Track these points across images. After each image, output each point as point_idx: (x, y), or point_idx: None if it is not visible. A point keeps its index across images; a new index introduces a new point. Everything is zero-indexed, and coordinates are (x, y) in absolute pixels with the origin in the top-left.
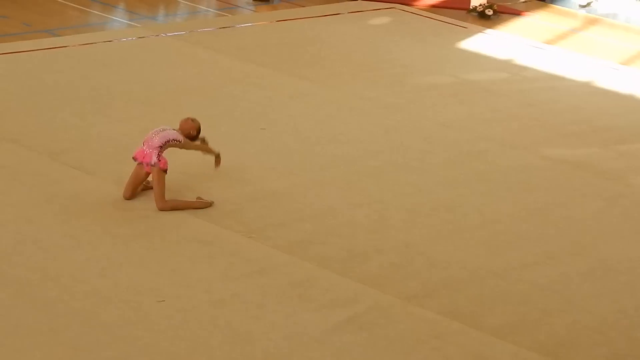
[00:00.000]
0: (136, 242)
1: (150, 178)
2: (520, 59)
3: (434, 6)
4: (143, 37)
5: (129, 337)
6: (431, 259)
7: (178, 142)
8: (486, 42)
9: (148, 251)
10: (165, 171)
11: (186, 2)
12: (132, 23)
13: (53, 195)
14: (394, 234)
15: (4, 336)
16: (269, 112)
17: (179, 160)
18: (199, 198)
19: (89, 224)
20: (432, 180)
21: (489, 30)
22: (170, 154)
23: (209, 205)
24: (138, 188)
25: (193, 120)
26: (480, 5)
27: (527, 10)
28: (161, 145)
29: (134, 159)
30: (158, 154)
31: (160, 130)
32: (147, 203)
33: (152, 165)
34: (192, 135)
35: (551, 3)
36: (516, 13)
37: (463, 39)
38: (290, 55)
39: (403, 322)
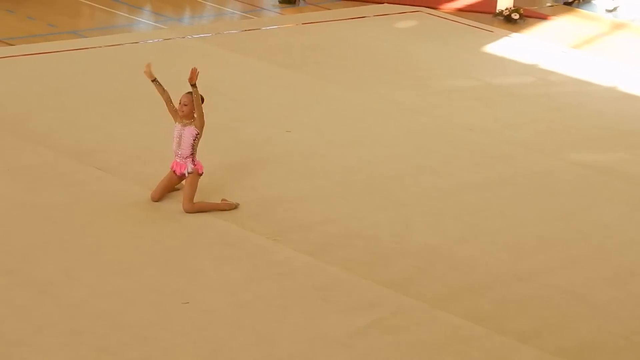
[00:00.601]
0: (160, 244)
1: (183, 181)
2: (546, 63)
3: (460, 10)
4: (169, 38)
5: (152, 339)
6: (455, 263)
7: (198, 133)
8: (512, 46)
9: (172, 253)
10: (200, 174)
11: (212, 4)
12: (158, 25)
13: (78, 196)
14: (418, 237)
15: (28, 336)
16: (294, 115)
17: (204, 162)
18: (223, 200)
19: (113, 225)
20: (457, 184)
21: (514, 34)
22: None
23: (234, 207)
24: (168, 192)
25: (185, 103)
26: (506, 9)
27: (553, 15)
28: (191, 152)
29: (173, 170)
30: (192, 160)
31: (179, 139)
32: (172, 204)
33: (189, 173)
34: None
35: (577, 7)
36: (542, 17)
37: (489, 42)
38: (316, 57)
39: (427, 325)
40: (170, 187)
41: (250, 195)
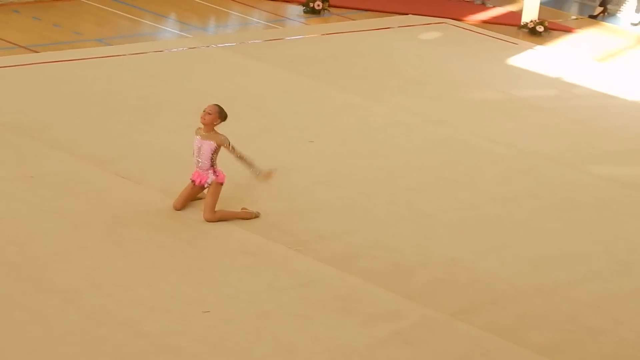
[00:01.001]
0: (182, 252)
1: (205, 190)
2: (570, 76)
3: (484, 22)
4: (193, 47)
5: (173, 347)
6: (477, 275)
7: (217, 147)
8: (536, 58)
9: (194, 261)
10: (221, 184)
11: (237, 14)
12: (183, 33)
13: (100, 203)
14: (440, 248)
15: (49, 343)
16: (317, 124)
17: (226, 171)
18: (244, 209)
19: (135, 232)
20: (479, 196)
21: (539, 47)
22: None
23: (254, 216)
24: (190, 201)
25: (209, 112)
26: (531, 21)
27: (578, 28)
28: (211, 164)
29: (192, 181)
30: (214, 171)
31: (199, 152)
32: (194, 213)
33: (208, 185)
34: (218, 124)
35: (602, 21)
36: (567, 30)
37: (513, 55)
38: (340, 68)
39: (448, 337)
40: (192, 196)
41: (272, 205)
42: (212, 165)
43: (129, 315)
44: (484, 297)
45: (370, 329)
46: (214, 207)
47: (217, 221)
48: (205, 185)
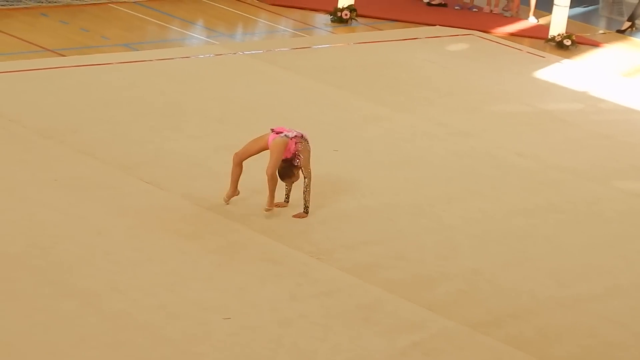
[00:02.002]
0: (205, 259)
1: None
2: (597, 91)
3: (512, 34)
4: (220, 54)
5: (194, 354)
6: (499, 287)
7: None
8: (563, 72)
9: (217, 268)
10: (289, 158)
11: (264, 21)
12: (210, 40)
13: (125, 208)
14: (463, 260)
15: (70, 346)
16: (343, 134)
17: (251, 181)
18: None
19: (159, 238)
20: (503, 208)
21: (566, 60)
22: (249, 168)
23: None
24: (251, 155)
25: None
26: (558, 35)
27: (605, 42)
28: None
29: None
30: (295, 143)
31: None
32: (218, 222)
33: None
34: (297, 173)
35: (630, 35)
36: (594, 44)
37: (540, 68)
38: (367, 78)
39: (468, 349)
40: (255, 150)
41: (296, 213)
42: (296, 143)
43: (150, 320)
44: (506, 309)
45: (390, 339)
46: (277, 166)
47: (269, 181)
48: (296, 163)
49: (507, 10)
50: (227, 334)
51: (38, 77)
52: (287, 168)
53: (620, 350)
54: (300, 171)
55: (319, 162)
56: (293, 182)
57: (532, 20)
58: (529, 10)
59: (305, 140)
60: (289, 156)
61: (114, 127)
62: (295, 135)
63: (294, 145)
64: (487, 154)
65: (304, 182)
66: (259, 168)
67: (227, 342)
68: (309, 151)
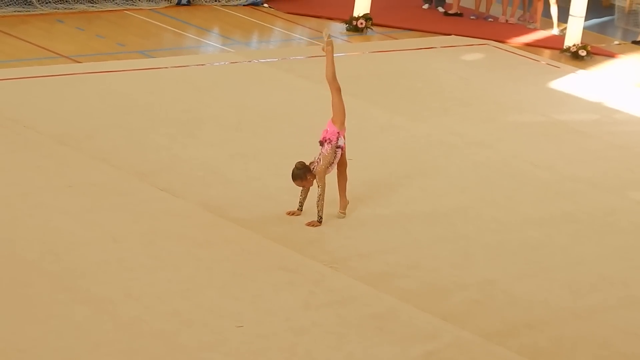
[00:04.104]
0: (220, 266)
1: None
2: (612, 101)
3: (527, 44)
4: (236, 62)
5: None
6: (513, 298)
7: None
8: (578, 82)
9: (231, 276)
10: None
11: (280, 30)
12: (225, 48)
13: (140, 215)
14: (477, 270)
15: (84, 353)
16: (358, 143)
17: (263, 190)
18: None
19: (173, 245)
20: (518, 218)
21: (581, 71)
22: (263, 176)
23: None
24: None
25: (300, 183)
26: (573, 45)
27: (620, 53)
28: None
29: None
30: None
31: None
32: (232, 229)
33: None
34: (312, 177)
35: None
36: (609, 55)
37: (555, 78)
38: (382, 87)
39: (482, 359)
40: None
41: (309, 221)
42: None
43: (164, 327)
44: (520, 320)
45: (404, 348)
46: (326, 169)
47: (320, 187)
48: (313, 167)
49: (530, 23)
50: (241, 342)
51: (53, 84)
52: (302, 172)
53: None
54: (315, 180)
55: (334, 171)
56: (306, 188)
57: (555, 33)
58: (551, 22)
59: (338, 148)
60: (323, 137)
61: (130, 133)
62: (338, 134)
63: (332, 135)
64: (503, 163)
65: (317, 191)
66: (270, 177)
67: (241, 350)
68: (330, 162)
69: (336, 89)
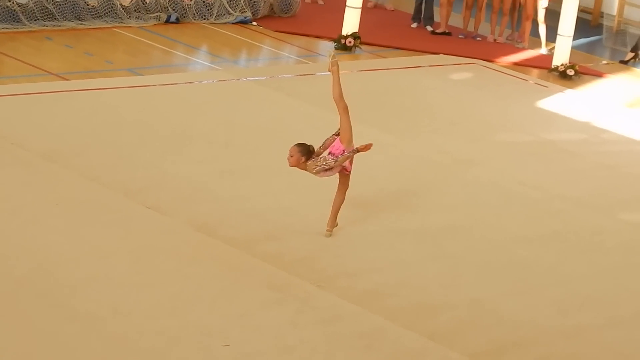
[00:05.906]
0: (208, 283)
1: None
2: (600, 121)
3: (515, 63)
4: (224, 80)
5: None
6: (501, 317)
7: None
8: (566, 102)
9: (219, 293)
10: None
11: (268, 48)
12: (214, 66)
13: (128, 232)
14: (465, 289)
15: None
16: None
17: (255, 204)
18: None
19: (161, 263)
20: (506, 237)
21: (569, 91)
22: (249, 194)
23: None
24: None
25: (291, 154)
26: (562, 65)
27: (608, 73)
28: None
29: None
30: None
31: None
32: (220, 247)
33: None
34: (304, 161)
35: (633, 66)
36: (598, 74)
37: (543, 97)
38: (370, 105)
39: None
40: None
41: (299, 241)
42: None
43: (152, 345)
44: (508, 339)
45: None
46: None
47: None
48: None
49: (518, 42)
50: None
51: (42, 101)
52: (306, 148)
53: None
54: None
55: (322, 189)
56: (290, 163)
57: (543, 52)
58: (540, 42)
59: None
60: (329, 151)
61: (118, 151)
62: (343, 152)
63: (336, 151)
64: (491, 182)
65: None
66: (259, 195)
67: None
68: (324, 168)
69: (343, 108)
